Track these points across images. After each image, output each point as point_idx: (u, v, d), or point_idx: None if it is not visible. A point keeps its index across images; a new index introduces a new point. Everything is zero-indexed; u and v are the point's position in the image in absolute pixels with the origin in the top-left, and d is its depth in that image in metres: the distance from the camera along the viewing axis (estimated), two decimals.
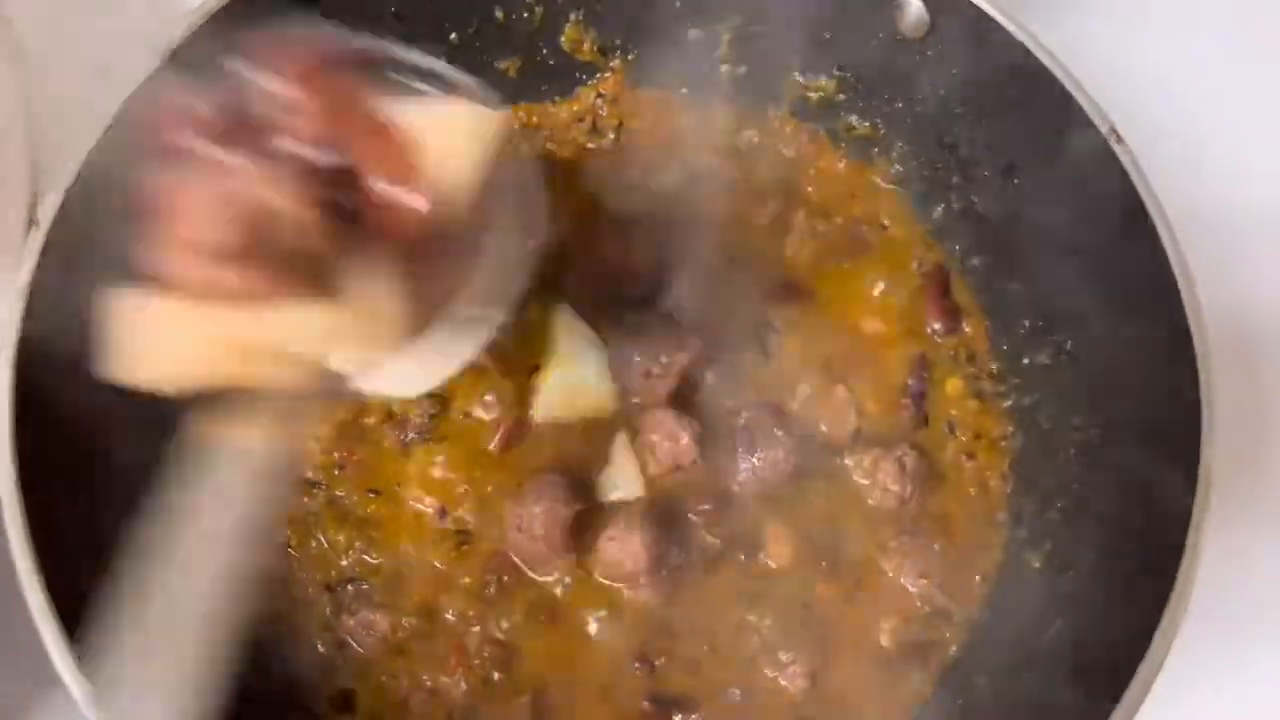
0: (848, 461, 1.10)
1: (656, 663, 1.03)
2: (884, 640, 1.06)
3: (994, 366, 1.17)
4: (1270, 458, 1.24)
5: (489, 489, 1.07)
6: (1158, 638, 0.86)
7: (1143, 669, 0.86)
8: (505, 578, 1.04)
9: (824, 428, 1.12)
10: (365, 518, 1.07)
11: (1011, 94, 1.09)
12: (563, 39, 1.24)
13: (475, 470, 1.08)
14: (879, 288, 1.19)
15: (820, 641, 1.04)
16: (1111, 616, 0.95)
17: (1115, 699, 0.85)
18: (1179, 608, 0.87)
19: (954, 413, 1.15)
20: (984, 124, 1.15)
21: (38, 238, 0.92)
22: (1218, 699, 1.14)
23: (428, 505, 1.07)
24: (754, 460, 1.07)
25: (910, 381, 1.15)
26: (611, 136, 1.25)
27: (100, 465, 0.94)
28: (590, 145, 1.25)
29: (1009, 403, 1.16)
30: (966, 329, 1.19)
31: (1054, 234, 1.10)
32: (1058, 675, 0.96)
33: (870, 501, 1.09)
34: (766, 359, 1.14)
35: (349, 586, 1.04)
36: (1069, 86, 1.03)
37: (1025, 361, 1.15)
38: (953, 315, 1.19)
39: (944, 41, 1.12)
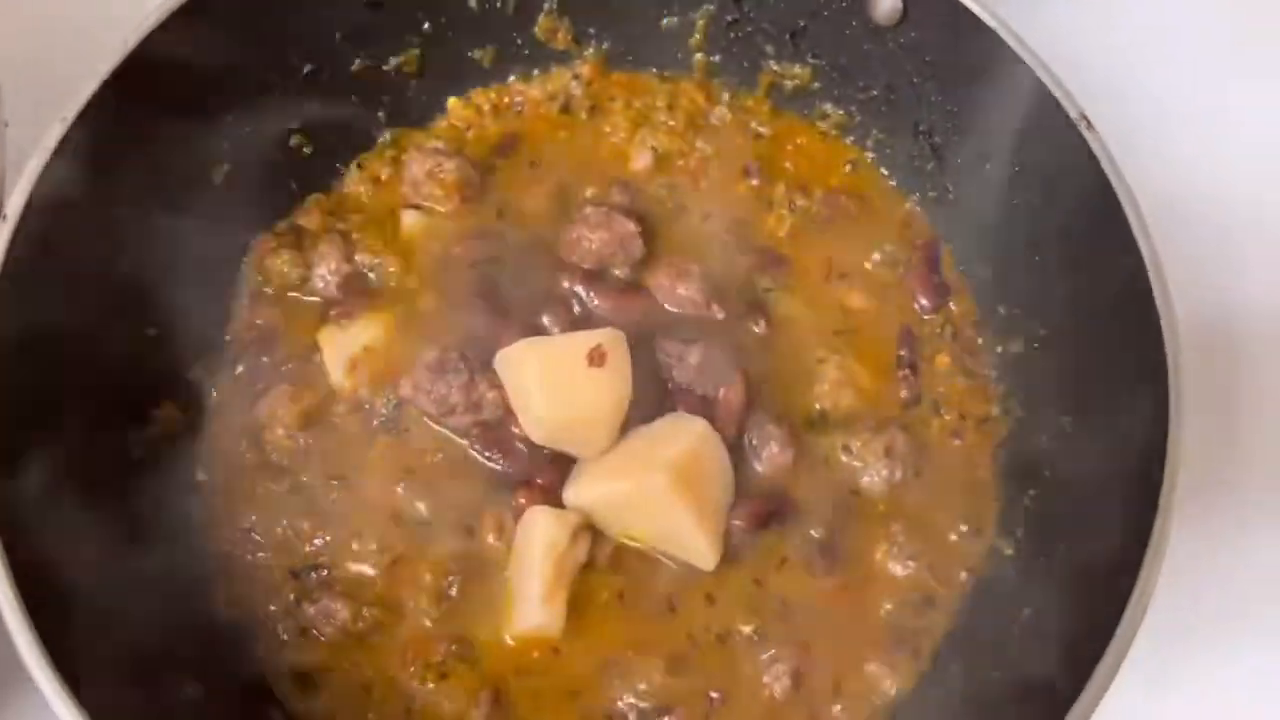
0: (838, 444, 1.09)
1: (628, 663, 1.01)
2: (871, 629, 1.04)
3: (980, 341, 1.16)
4: (1245, 451, 1.23)
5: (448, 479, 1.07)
6: (1121, 628, 0.85)
7: (1107, 657, 0.84)
8: (465, 577, 1.03)
9: (818, 406, 1.11)
10: (328, 505, 1.06)
11: (984, 81, 1.08)
12: (537, 28, 1.23)
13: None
14: (865, 261, 1.18)
15: (804, 637, 1.03)
16: (1079, 605, 0.94)
17: (1079, 688, 0.84)
18: (1143, 597, 0.86)
19: (941, 389, 1.14)
20: (957, 111, 1.15)
21: (5, 231, 0.91)
22: (1193, 689, 1.13)
23: (388, 492, 1.06)
24: (759, 457, 1.07)
25: (902, 353, 1.14)
26: (584, 116, 1.25)
27: (73, 455, 0.94)
28: (562, 124, 1.25)
29: (994, 383, 1.15)
30: (953, 306, 1.18)
31: (1026, 222, 1.10)
32: (1028, 661, 0.95)
33: (861, 483, 1.09)
34: (754, 337, 1.13)
35: (313, 573, 1.03)
36: (1040, 73, 1.02)
37: (999, 350, 1.15)
38: (940, 291, 1.18)
39: (917, 29, 1.12)
